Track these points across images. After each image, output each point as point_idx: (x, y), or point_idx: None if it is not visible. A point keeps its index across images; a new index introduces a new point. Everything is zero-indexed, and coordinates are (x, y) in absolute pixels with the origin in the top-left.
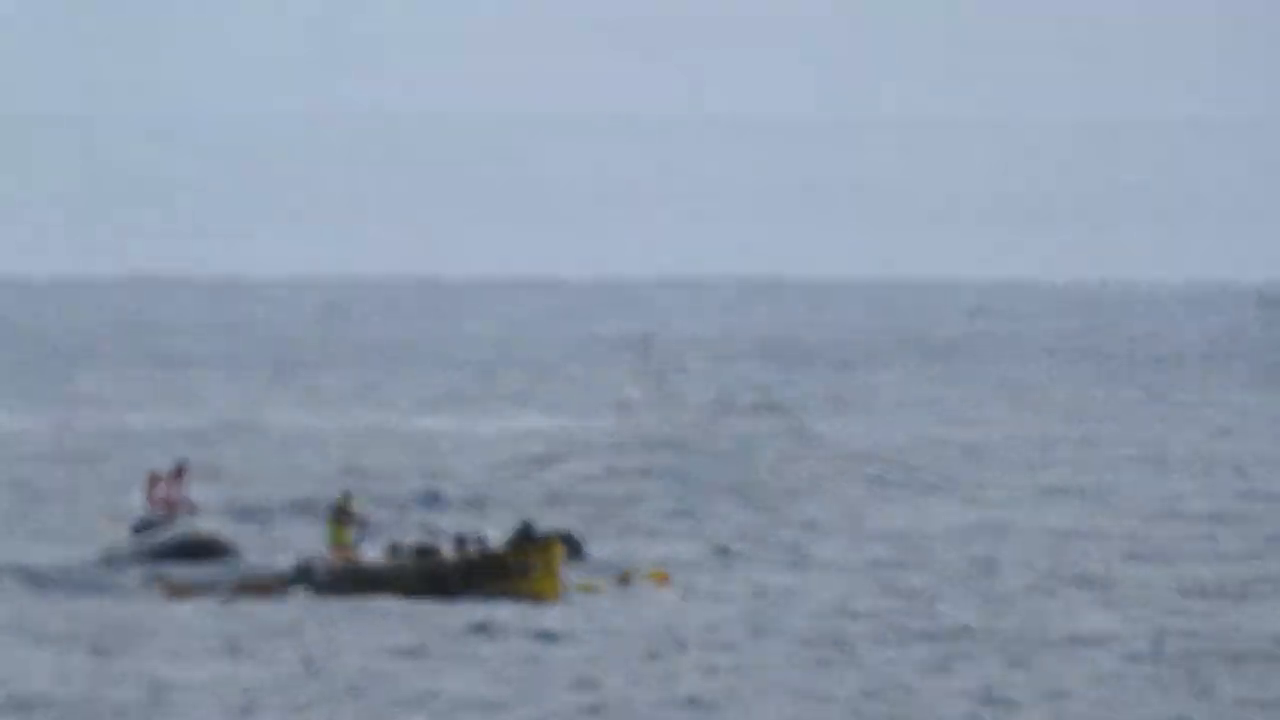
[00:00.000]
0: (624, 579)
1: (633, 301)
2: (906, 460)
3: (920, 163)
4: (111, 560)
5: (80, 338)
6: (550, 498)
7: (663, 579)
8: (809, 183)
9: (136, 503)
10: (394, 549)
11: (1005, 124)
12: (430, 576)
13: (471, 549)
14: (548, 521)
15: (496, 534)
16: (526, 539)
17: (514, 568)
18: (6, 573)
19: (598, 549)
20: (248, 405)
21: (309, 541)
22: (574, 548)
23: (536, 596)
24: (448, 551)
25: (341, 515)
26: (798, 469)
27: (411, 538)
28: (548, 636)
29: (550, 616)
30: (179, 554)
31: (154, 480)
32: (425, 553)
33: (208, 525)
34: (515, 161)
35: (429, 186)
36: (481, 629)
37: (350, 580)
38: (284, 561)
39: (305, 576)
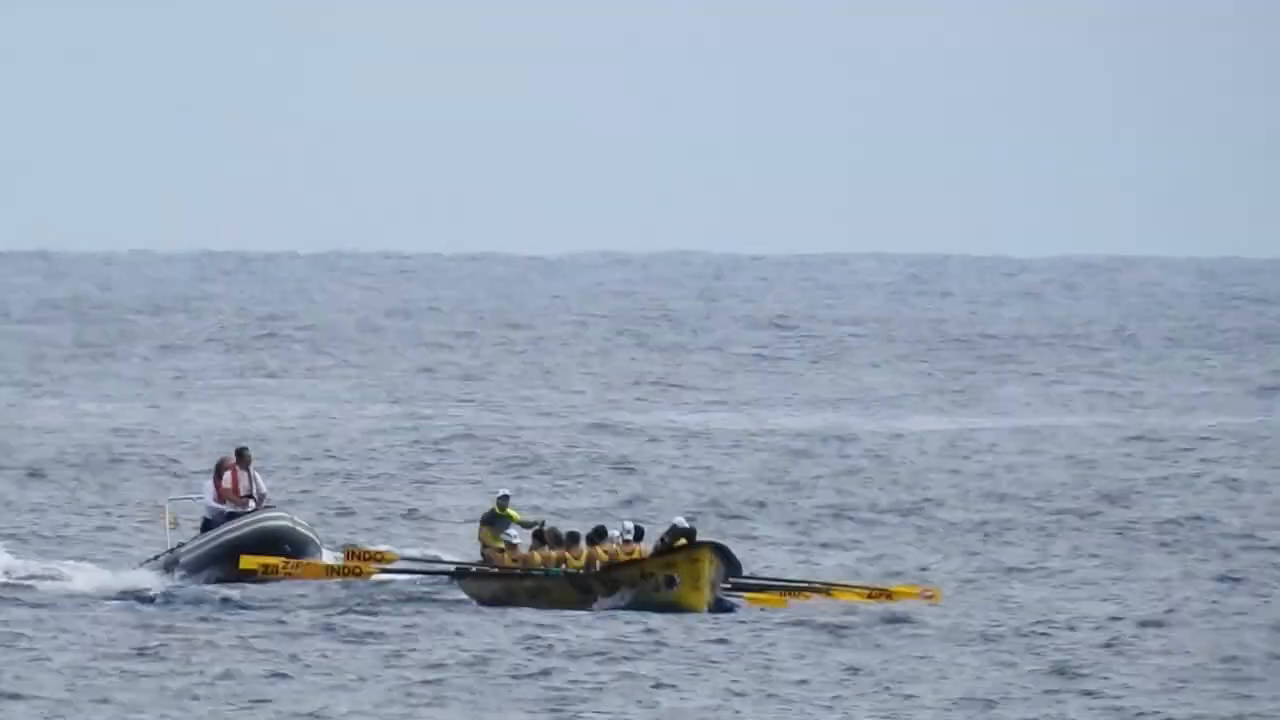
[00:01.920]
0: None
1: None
2: None
3: None
4: (180, 564)
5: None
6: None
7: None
8: None
9: (199, 495)
10: (538, 534)
11: None
12: (573, 579)
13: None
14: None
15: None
16: (673, 546)
17: (659, 576)
18: (74, 589)
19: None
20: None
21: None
22: (728, 560)
23: (681, 608)
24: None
25: (496, 519)
26: None
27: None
28: None
29: None
30: (255, 550)
31: (223, 468)
32: (573, 539)
33: (282, 518)
34: None
35: None
36: None
37: (491, 582)
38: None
39: (457, 577)
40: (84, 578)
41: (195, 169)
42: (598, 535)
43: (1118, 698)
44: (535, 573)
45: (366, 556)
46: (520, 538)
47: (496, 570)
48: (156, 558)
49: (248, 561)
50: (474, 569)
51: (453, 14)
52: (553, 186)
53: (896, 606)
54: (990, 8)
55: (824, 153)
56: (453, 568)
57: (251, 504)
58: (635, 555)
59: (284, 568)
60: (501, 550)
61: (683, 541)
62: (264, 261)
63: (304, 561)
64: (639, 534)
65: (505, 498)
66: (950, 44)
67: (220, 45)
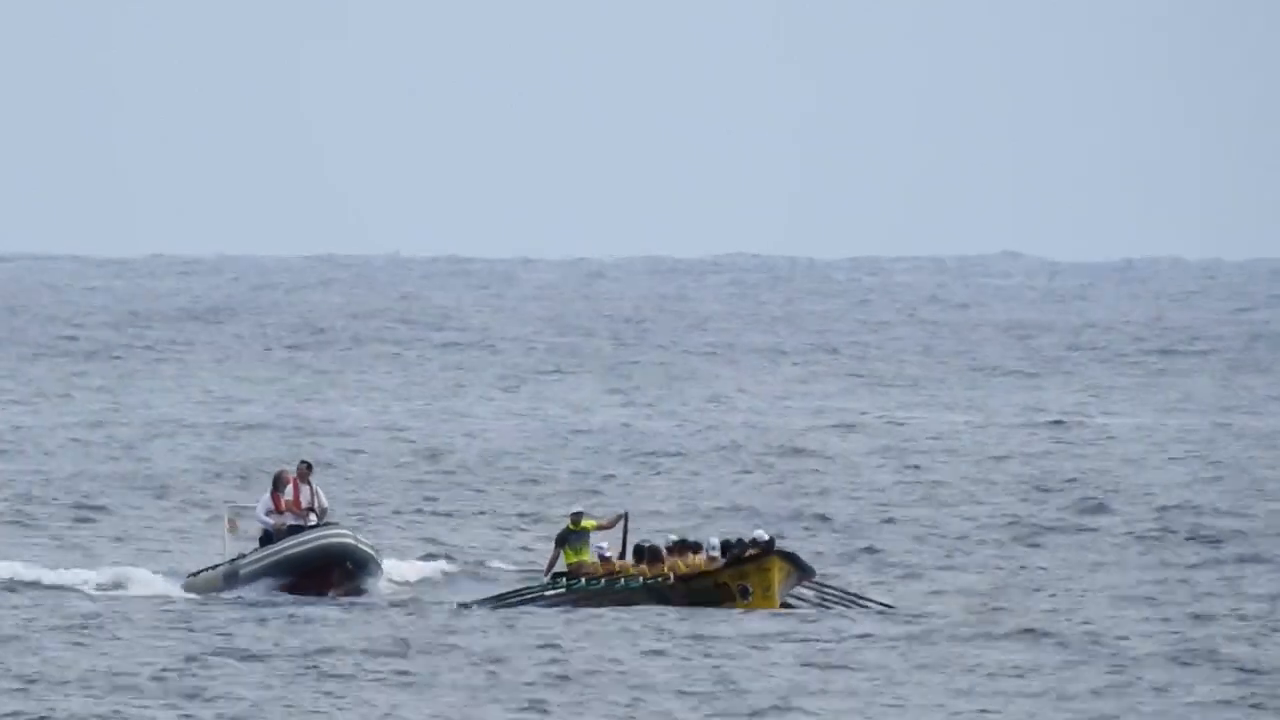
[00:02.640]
0: None
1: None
2: None
3: None
4: (240, 576)
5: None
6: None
7: None
8: None
9: (251, 507)
10: (638, 550)
11: None
12: (655, 594)
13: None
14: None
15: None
16: (743, 557)
17: (732, 587)
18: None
19: None
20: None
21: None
22: (798, 565)
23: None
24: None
25: (571, 537)
26: None
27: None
28: None
29: None
30: (316, 566)
31: (283, 481)
32: (654, 554)
33: (345, 535)
34: None
35: None
36: None
37: (574, 594)
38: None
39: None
40: (146, 586)
41: (210, 174)
42: (688, 549)
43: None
44: (617, 584)
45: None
46: (611, 550)
47: (583, 582)
48: (215, 567)
49: None
50: (566, 584)
51: (497, 18)
52: (594, 192)
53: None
54: (1041, 11)
55: (865, 157)
56: (549, 587)
57: (313, 517)
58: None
59: None
60: (590, 563)
61: (753, 551)
62: (311, 265)
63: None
64: (724, 549)
65: (579, 514)
66: (996, 46)
67: (240, 47)
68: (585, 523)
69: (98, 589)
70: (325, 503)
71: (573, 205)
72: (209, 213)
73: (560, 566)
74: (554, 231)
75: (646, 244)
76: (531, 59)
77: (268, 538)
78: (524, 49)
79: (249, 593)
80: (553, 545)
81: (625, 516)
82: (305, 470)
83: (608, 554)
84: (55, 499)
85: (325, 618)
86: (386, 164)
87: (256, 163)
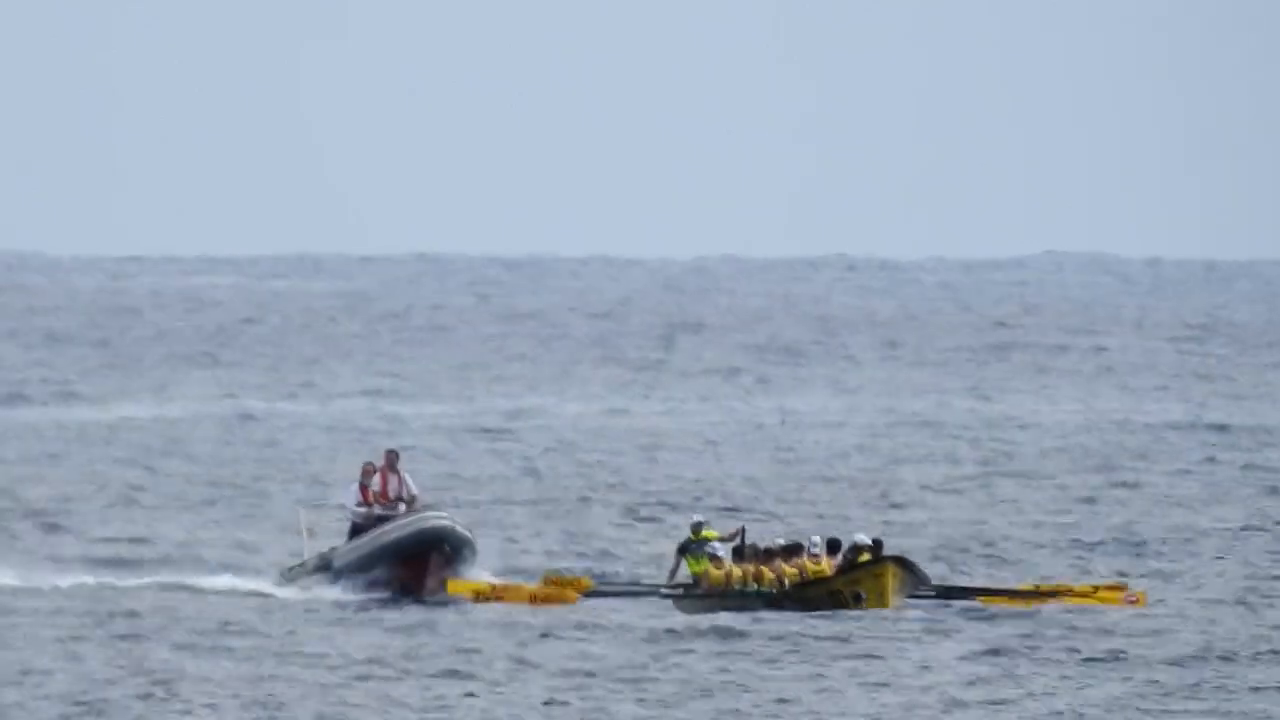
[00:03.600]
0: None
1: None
2: None
3: None
4: (334, 568)
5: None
6: None
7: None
8: None
9: (344, 499)
10: (738, 550)
11: None
12: (767, 598)
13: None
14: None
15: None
16: (857, 564)
17: (845, 593)
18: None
19: None
20: None
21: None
22: (912, 572)
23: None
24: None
25: (693, 546)
26: None
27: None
28: None
29: None
30: (413, 551)
31: (369, 472)
32: (769, 554)
33: (443, 518)
34: None
35: None
36: None
37: (690, 597)
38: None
39: (670, 597)
40: (236, 586)
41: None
42: (793, 550)
43: None
44: (733, 592)
45: (566, 583)
46: (724, 551)
47: (701, 591)
48: (303, 564)
49: (455, 587)
50: (682, 590)
51: (497, 18)
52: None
53: (1096, 611)
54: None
55: (883, 156)
56: (663, 590)
57: (401, 507)
58: (824, 569)
59: (491, 593)
60: (704, 572)
61: (866, 557)
62: (368, 263)
63: (510, 586)
64: (831, 547)
65: (699, 524)
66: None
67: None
68: (706, 533)
69: (192, 586)
70: (415, 490)
71: (573, 205)
72: (209, 213)
73: (684, 576)
74: (553, 231)
75: (647, 244)
76: (531, 59)
77: (356, 531)
78: (524, 49)
79: (345, 585)
80: (674, 554)
81: (743, 531)
82: (393, 459)
83: (720, 554)
84: (149, 493)
85: (420, 617)
86: (387, 164)
87: (257, 163)
